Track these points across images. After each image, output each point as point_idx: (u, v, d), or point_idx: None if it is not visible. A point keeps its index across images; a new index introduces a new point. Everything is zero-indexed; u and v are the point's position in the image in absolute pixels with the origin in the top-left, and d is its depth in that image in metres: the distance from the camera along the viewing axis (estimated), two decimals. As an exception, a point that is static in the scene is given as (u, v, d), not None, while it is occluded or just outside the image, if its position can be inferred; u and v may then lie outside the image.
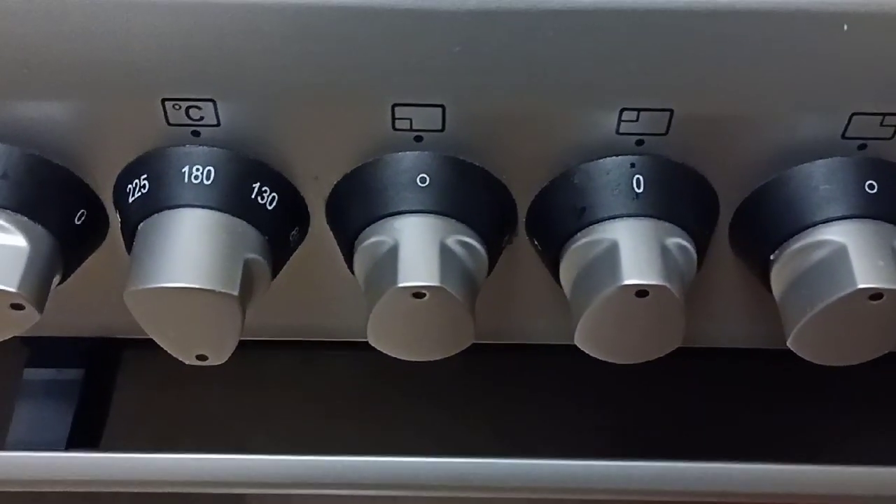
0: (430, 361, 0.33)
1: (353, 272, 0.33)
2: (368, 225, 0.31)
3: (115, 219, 0.33)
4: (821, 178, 0.31)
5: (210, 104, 0.29)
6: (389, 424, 0.47)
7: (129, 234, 0.31)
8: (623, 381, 0.44)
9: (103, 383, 0.46)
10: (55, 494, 0.42)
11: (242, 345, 0.34)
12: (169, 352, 0.32)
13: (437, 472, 0.36)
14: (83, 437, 0.43)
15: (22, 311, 0.30)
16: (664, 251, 0.30)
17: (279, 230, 0.32)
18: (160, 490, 0.42)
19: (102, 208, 0.33)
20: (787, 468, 0.36)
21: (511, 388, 0.47)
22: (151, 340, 0.42)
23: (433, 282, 0.29)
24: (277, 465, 0.43)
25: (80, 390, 0.43)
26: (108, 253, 0.35)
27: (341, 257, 0.34)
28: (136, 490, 0.42)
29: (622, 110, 0.29)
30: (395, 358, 0.33)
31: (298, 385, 0.48)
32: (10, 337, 0.32)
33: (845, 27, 0.28)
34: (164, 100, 0.29)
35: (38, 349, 0.45)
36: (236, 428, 0.50)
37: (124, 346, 0.48)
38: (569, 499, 0.41)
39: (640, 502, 0.40)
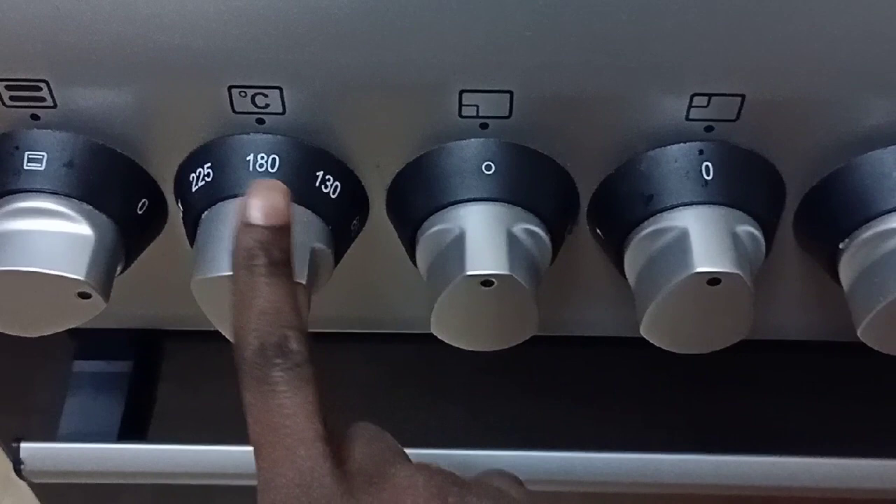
0: (456, 357, 0.33)
1: (413, 261, 0.32)
2: (432, 213, 0.31)
3: (174, 208, 0.33)
4: (892, 164, 0.30)
5: (277, 91, 0.29)
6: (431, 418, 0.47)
7: (193, 223, 0.31)
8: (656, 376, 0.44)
9: (150, 375, 0.46)
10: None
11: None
12: (228, 339, 0.32)
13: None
14: (132, 428, 0.43)
15: (89, 300, 0.30)
16: (735, 239, 0.29)
17: (342, 219, 0.32)
18: (212, 482, 0.42)
19: (163, 198, 0.33)
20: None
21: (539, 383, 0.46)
22: (195, 332, 0.42)
23: (502, 270, 0.29)
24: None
25: (128, 382, 0.43)
26: (158, 244, 0.35)
27: (396, 247, 0.34)
28: (186, 482, 0.42)
29: (693, 95, 0.29)
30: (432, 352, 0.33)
31: (344, 376, 0.48)
32: (75, 325, 0.31)
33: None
34: (230, 87, 0.29)
35: (86, 341, 0.45)
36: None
37: (168, 337, 0.48)
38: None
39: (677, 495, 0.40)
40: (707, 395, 0.46)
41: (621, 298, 0.35)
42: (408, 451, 0.38)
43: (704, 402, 0.46)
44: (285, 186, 0.26)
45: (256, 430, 0.25)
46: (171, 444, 0.40)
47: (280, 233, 0.26)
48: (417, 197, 0.31)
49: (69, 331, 0.42)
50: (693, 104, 0.29)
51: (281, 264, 0.26)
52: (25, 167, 0.30)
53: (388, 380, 0.47)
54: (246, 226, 0.26)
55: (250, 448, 0.43)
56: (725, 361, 0.34)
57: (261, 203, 0.26)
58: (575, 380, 0.44)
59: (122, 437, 0.42)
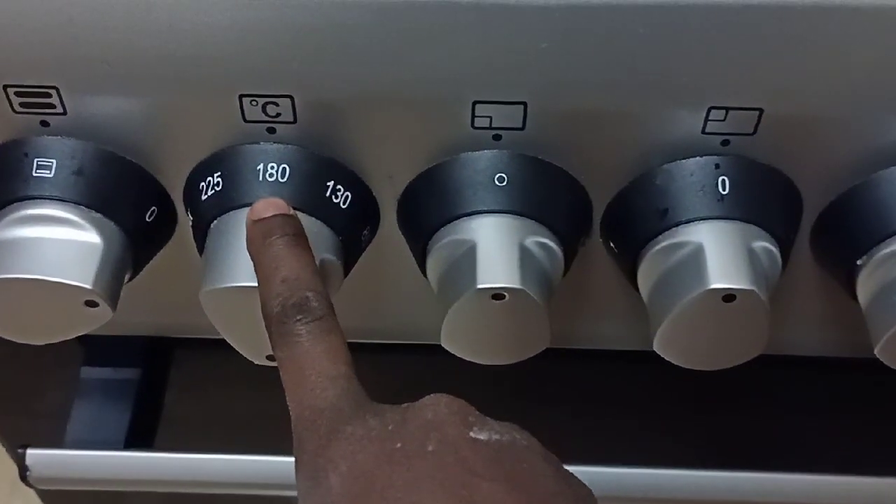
0: (462, 368, 0.33)
1: (424, 273, 0.32)
2: (444, 225, 0.30)
3: (183, 217, 0.33)
4: (912, 181, 0.30)
5: (288, 100, 0.29)
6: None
7: (202, 232, 0.31)
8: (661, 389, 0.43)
9: (158, 382, 0.45)
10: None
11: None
12: (240, 352, 0.31)
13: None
14: (139, 436, 0.43)
15: (96, 309, 0.29)
16: (751, 255, 0.29)
17: (352, 230, 0.31)
18: (219, 491, 0.41)
19: (172, 206, 0.32)
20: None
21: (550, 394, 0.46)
22: (203, 340, 0.42)
23: (514, 283, 0.28)
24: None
25: (136, 389, 0.43)
26: (166, 252, 0.34)
27: (406, 258, 0.33)
28: (193, 491, 0.42)
29: (710, 109, 0.28)
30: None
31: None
32: (82, 334, 0.31)
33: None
34: (241, 95, 0.29)
35: (94, 348, 0.45)
36: (288, 429, 0.49)
37: (176, 345, 0.47)
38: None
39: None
40: (718, 410, 0.45)
41: (633, 312, 0.35)
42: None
43: (715, 417, 0.46)
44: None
45: (286, 378, 0.26)
46: (179, 453, 0.40)
47: (289, 217, 0.29)
48: (429, 208, 0.31)
49: (77, 337, 0.42)
50: (710, 118, 0.29)
51: (297, 236, 0.28)
52: (34, 174, 0.30)
53: (394, 391, 0.47)
54: (255, 221, 0.29)
55: (257, 457, 0.43)
56: (737, 376, 0.34)
57: (264, 203, 0.29)
58: (581, 392, 0.43)
59: (130, 444, 0.42)
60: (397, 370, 0.46)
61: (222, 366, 0.45)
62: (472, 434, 0.24)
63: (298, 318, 0.26)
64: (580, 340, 0.37)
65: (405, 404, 0.26)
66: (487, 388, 0.43)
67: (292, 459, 0.42)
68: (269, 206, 0.29)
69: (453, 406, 0.25)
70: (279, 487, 0.43)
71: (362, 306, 0.36)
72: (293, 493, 0.45)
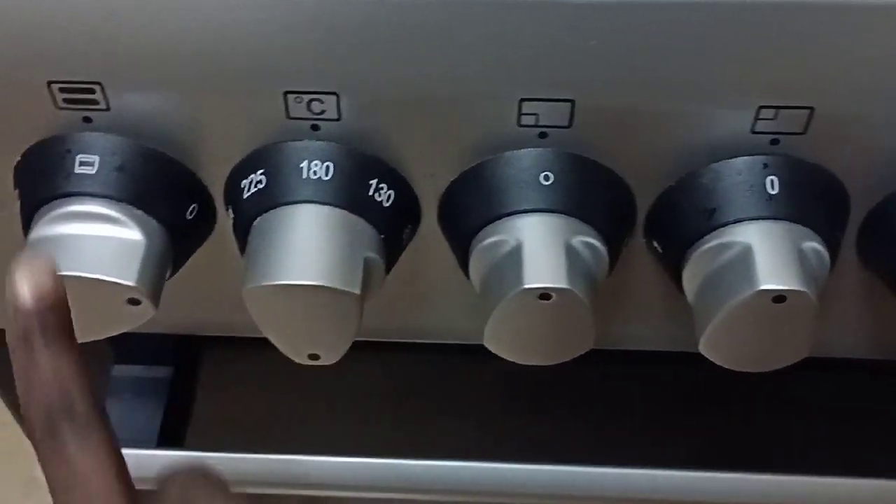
0: (467, 369, 0.32)
1: (466, 273, 0.32)
2: (488, 224, 0.30)
3: (221, 213, 0.33)
4: (963, 181, 0.29)
5: (333, 98, 0.29)
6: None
7: (243, 230, 0.30)
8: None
9: (189, 381, 0.45)
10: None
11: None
12: (281, 350, 0.31)
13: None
14: (171, 435, 0.43)
15: (138, 307, 0.29)
16: (801, 255, 0.29)
17: (394, 228, 0.31)
18: (249, 490, 0.41)
19: (212, 203, 0.32)
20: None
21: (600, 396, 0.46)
22: (232, 338, 0.41)
23: (561, 283, 0.28)
24: (363, 467, 0.42)
25: (168, 388, 0.43)
26: (202, 249, 0.34)
27: (444, 256, 0.33)
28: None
29: (760, 108, 0.28)
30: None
31: (355, 387, 0.47)
32: (122, 331, 0.31)
33: None
34: (286, 92, 0.28)
35: (125, 347, 0.44)
36: (319, 427, 0.49)
37: (206, 343, 0.47)
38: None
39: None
40: (739, 412, 0.45)
41: (670, 313, 0.34)
42: (417, 462, 0.37)
43: (735, 419, 0.46)
44: (49, 258, 0.26)
45: (55, 494, 0.25)
46: (210, 452, 0.40)
47: (52, 309, 0.25)
48: (472, 207, 0.31)
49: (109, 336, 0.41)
50: (760, 116, 0.28)
51: (57, 331, 0.25)
52: (76, 170, 0.29)
53: (397, 391, 0.47)
54: (16, 310, 0.25)
55: (288, 456, 0.43)
56: (761, 378, 0.33)
57: (27, 283, 0.25)
58: (588, 394, 0.43)
59: (161, 443, 0.42)
60: (405, 370, 0.46)
61: (252, 364, 0.45)
62: None
63: (65, 424, 0.24)
64: (618, 341, 0.37)
65: None
66: (488, 388, 0.43)
67: (323, 458, 0.42)
68: (26, 293, 0.25)
69: None
70: (308, 487, 0.43)
71: (399, 305, 0.36)
72: (324, 493, 0.45)
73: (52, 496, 0.25)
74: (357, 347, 0.42)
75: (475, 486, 0.40)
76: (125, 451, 0.40)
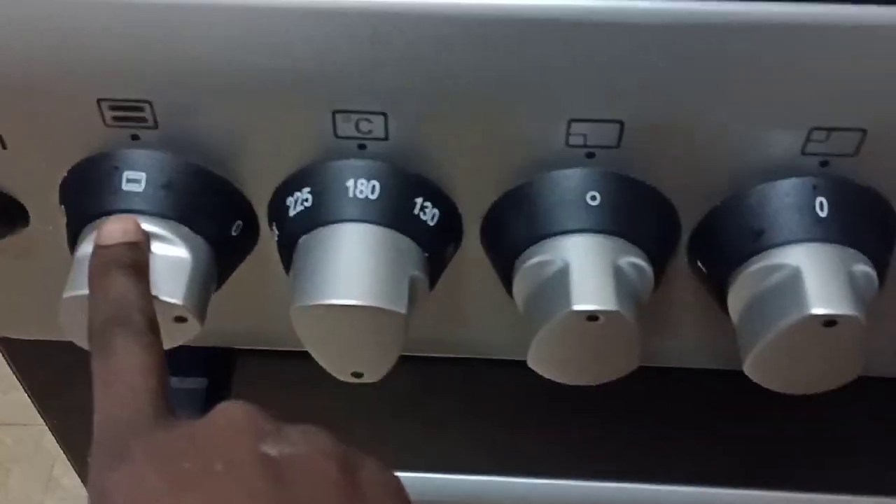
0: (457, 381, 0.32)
1: (508, 291, 0.32)
2: (533, 243, 0.30)
3: (264, 229, 0.33)
4: None
5: (381, 117, 0.29)
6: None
7: (288, 248, 0.30)
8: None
9: (222, 392, 0.45)
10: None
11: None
12: (325, 368, 0.31)
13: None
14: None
15: (185, 324, 0.29)
16: (851, 279, 0.28)
17: (438, 247, 0.31)
18: None
19: (256, 219, 0.32)
20: None
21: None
22: (264, 350, 0.41)
23: (609, 306, 0.28)
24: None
25: (203, 399, 0.43)
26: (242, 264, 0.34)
27: (482, 273, 0.33)
28: None
29: (812, 129, 0.28)
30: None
31: (419, 399, 0.47)
32: (168, 348, 0.31)
33: None
34: (335, 112, 0.28)
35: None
36: (351, 438, 0.49)
37: (238, 355, 0.47)
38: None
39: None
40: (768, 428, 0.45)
41: (712, 330, 0.34)
42: (409, 474, 0.37)
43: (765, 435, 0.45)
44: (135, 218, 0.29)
45: (96, 389, 0.26)
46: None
47: (130, 246, 0.29)
48: (517, 226, 0.30)
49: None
50: (811, 138, 0.28)
51: (135, 266, 0.28)
52: (124, 188, 0.30)
53: (431, 402, 0.47)
54: (98, 247, 0.29)
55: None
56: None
57: (111, 227, 0.29)
58: (583, 407, 0.43)
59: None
60: (442, 381, 0.46)
61: (284, 376, 0.45)
62: (262, 449, 0.24)
63: (117, 330, 0.26)
64: (654, 358, 0.37)
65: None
66: (477, 401, 0.43)
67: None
68: (115, 230, 0.29)
69: (246, 415, 0.24)
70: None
71: (437, 320, 0.36)
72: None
73: (94, 396, 0.26)
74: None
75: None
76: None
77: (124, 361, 0.26)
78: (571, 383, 0.31)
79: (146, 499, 0.23)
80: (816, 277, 0.28)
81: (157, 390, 0.25)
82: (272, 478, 0.23)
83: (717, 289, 0.31)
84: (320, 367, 0.33)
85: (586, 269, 0.28)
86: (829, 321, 0.28)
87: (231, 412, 0.24)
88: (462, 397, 0.43)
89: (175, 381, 0.44)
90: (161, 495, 0.23)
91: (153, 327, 0.27)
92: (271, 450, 0.23)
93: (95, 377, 0.26)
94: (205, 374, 0.44)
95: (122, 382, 0.25)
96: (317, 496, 0.23)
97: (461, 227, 0.32)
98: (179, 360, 0.45)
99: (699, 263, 0.32)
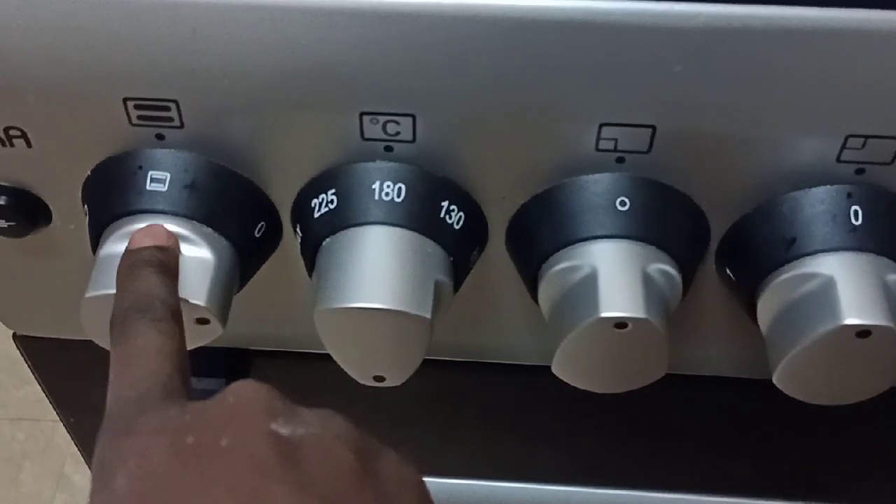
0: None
1: (534, 296, 0.31)
2: (560, 249, 0.30)
3: (287, 231, 0.33)
4: None
5: (409, 119, 0.28)
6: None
7: (312, 250, 0.30)
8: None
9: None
10: None
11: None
12: (347, 371, 0.31)
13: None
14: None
15: (207, 326, 0.29)
16: (885, 288, 0.28)
17: (463, 251, 0.31)
18: None
19: (279, 221, 0.32)
20: None
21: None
22: (280, 351, 0.41)
23: (638, 313, 0.27)
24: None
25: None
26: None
27: (507, 277, 0.32)
28: None
29: (848, 137, 0.27)
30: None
31: (435, 404, 0.47)
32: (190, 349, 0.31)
33: None
34: (362, 113, 0.28)
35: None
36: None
37: (255, 356, 0.47)
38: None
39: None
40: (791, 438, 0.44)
41: (741, 338, 0.34)
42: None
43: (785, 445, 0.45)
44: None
45: (112, 371, 0.25)
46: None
47: (160, 249, 0.29)
48: (544, 231, 0.30)
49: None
50: (847, 146, 0.28)
51: (162, 266, 0.28)
52: (148, 187, 0.29)
53: (452, 406, 0.46)
54: (128, 252, 0.29)
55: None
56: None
57: (142, 233, 0.29)
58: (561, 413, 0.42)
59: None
60: (461, 385, 0.46)
61: (300, 378, 0.45)
62: (273, 427, 0.22)
63: (137, 317, 0.26)
64: (681, 366, 0.36)
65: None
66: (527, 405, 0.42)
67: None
68: (146, 236, 0.29)
69: (259, 393, 0.23)
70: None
71: (459, 323, 0.36)
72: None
73: (110, 379, 0.25)
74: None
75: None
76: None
77: (142, 344, 0.25)
78: (596, 391, 0.31)
79: (146, 471, 0.22)
80: (850, 287, 0.28)
81: (173, 374, 0.25)
82: (282, 456, 0.22)
83: (747, 297, 0.31)
84: (336, 369, 0.32)
85: (615, 276, 0.28)
86: (863, 331, 0.27)
87: (243, 390, 0.23)
88: (478, 403, 0.43)
89: (192, 382, 0.44)
90: (163, 468, 0.22)
91: (175, 316, 0.26)
92: (282, 428, 0.22)
93: (112, 361, 0.25)
94: (222, 374, 0.44)
95: (137, 364, 0.25)
96: (330, 479, 0.22)
97: (486, 231, 0.32)
98: (197, 361, 0.45)
99: (728, 271, 0.31)
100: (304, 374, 0.40)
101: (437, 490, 0.40)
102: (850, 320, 0.27)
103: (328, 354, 0.36)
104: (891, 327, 0.27)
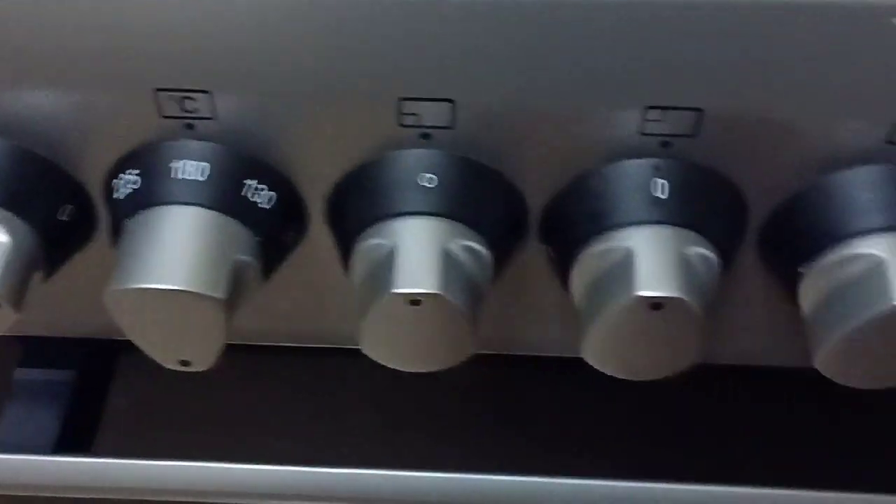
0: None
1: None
2: (368, 226, 0.29)
3: (105, 215, 0.32)
4: None
5: (206, 95, 0.28)
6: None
7: (115, 231, 0.29)
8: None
9: (96, 386, 0.44)
10: (44, 498, 0.41)
11: (240, 348, 0.32)
12: (150, 355, 0.30)
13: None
14: (73, 440, 0.42)
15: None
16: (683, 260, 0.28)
17: (274, 231, 0.30)
18: (148, 497, 0.40)
19: (91, 204, 0.31)
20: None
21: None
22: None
23: (431, 289, 0.27)
24: (273, 475, 0.41)
25: (70, 393, 0.42)
26: (100, 251, 0.33)
27: (335, 260, 0.32)
28: (123, 497, 0.40)
29: (647, 108, 0.27)
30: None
31: (299, 389, 0.46)
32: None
33: None
34: (157, 90, 0.27)
35: (31, 349, 0.43)
36: (234, 433, 0.48)
37: (121, 348, 0.46)
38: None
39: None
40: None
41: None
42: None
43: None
44: None
45: None
46: (107, 458, 0.38)
47: None
48: (354, 209, 0.30)
49: (16, 337, 0.40)
50: (647, 118, 0.28)
51: None
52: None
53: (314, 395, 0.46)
54: None
55: (198, 464, 0.42)
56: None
57: None
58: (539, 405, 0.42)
59: (61, 449, 0.41)
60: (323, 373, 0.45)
61: (167, 369, 0.44)
62: None
63: None
64: (518, 345, 0.36)
65: None
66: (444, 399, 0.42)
67: (237, 466, 0.40)
68: None
69: None
70: (222, 496, 0.42)
71: (289, 309, 0.35)
72: (236, 502, 0.44)
73: None
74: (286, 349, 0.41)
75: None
76: (20, 457, 0.39)
77: None
78: (406, 370, 0.30)
79: None
80: (646, 259, 0.27)
81: None
82: None
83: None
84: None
85: (412, 252, 0.27)
86: (655, 304, 0.27)
87: None
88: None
89: (41, 374, 0.43)
90: None
91: None
92: None
93: None
94: (74, 366, 0.43)
95: None
96: None
97: (303, 211, 0.31)
98: (49, 352, 0.44)
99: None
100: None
101: (434, 484, 0.39)
102: (643, 292, 0.27)
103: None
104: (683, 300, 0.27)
